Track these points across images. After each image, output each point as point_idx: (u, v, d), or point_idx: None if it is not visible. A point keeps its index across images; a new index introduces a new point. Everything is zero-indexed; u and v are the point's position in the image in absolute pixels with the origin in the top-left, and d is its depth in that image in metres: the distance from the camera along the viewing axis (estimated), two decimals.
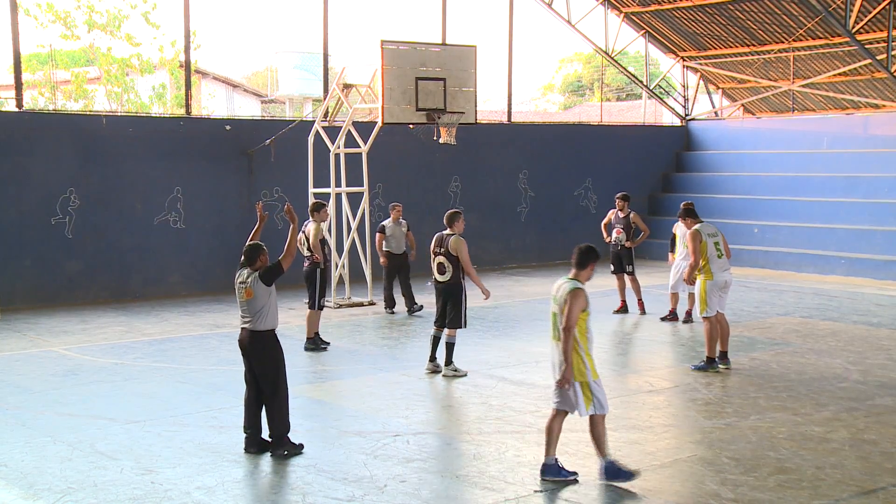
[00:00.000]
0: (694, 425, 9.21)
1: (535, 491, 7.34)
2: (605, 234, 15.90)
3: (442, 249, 11.11)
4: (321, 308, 12.70)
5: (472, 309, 15.60)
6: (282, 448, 8.19)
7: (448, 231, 11.19)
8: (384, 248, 15.50)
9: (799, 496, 7.23)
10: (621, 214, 15.59)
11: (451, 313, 11.14)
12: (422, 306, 15.57)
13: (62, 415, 9.49)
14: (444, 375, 11.11)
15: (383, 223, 15.71)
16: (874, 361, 11.93)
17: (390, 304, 15.70)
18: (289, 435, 8.28)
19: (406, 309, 15.56)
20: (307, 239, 12.59)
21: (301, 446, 8.28)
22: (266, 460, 8.14)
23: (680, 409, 9.96)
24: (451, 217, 11.26)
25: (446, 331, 11.19)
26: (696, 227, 11.62)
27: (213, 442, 8.58)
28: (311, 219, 12.84)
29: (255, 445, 8.30)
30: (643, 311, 15.47)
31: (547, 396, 10.20)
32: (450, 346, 11.18)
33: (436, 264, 11.20)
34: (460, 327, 11.22)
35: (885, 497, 7.24)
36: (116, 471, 7.77)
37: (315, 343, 12.67)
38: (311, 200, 16.27)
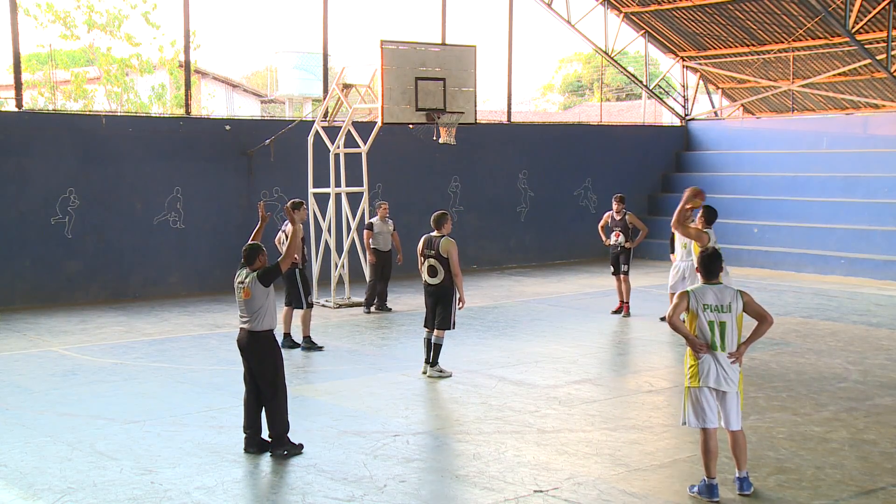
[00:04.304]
0: None
1: (535, 491, 7.35)
2: (603, 237, 15.87)
3: (432, 251, 11.01)
4: (310, 306, 12.73)
5: (472, 309, 15.66)
6: (281, 448, 8.20)
7: (436, 233, 11.09)
8: (372, 246, 15.58)
9: (799, 496, 7.23)
10: (617, 217, 15.57)
11: (441, 314, 11.09)
12: (390, 309, 15.80)
13: (62, 415, 9.49)
14: (429, 376, 11.09)
15: (371, 220, 15.81)
16: (874, 361, 11.93)
17: (371, 302, 15.76)
18: (288, 435, 8.29)
19: (375, 305, 15.73)
20: (287, 238, 12.57)
21: (301, 446, 8.29)
22: (266, 460, 8.14)
23: (679, 409, 9.94)
24: (439, 219, 11.15)
25: (434, 331, 11.16)
26: (708, 230, 11.66)
27: (213, 442, 8.58)
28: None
29: (254, 445, 8.30)
30: (627, 314, 15.36)
31: (546, 396, 10.23)
32: (437, 347, 11.15)
33: (426, 267, 11.10)
34: (449, 328, 11.19)
35: (885, 497, 7.24)
36: (116, 471, 7.77)
37: (311, 343, 12.68)
38: (311, 200, 16.37)
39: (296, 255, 12.40)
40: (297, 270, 12.46)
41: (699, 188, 10.76)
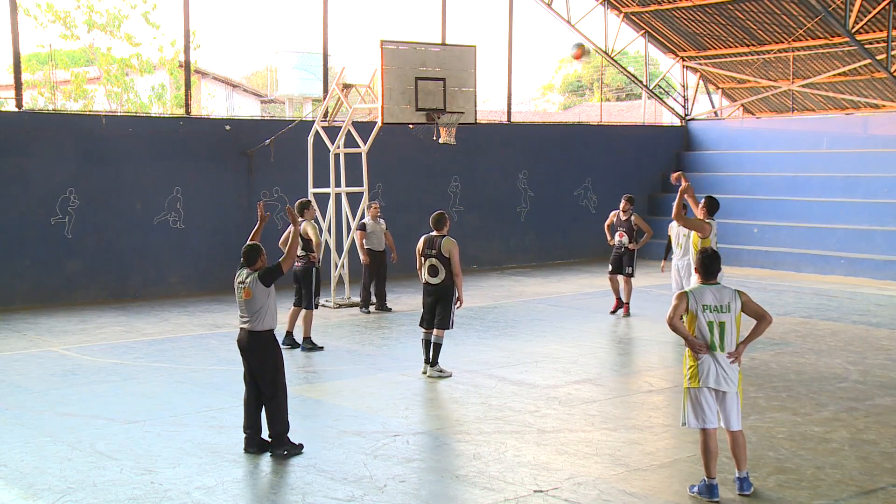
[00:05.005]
0: None
1: (535, 491, 7.35)
2: (608, 236, 15.85)
3: (433, 251, 11.00)
4: (316, 307, 12.73)
5: (472, 309, 15.66)
6: (281, 448, 8.20)
7: (436, 233, 11.09)
8: (366, 246, 15.59)
9: (799, 496, 7.23)
10: (623, 217, 15.52)
11: (441, 314, 11.09)
12: (390, 309, 15.79)
13: (62, 415, 9.49)
14: (429, 376, 11.09)
15: (363, 221, 15.80)
16: (874, 361, 11.93)
17: (368, 303, 15.74)
18: (288, 435, 8.29)
19: (375, 305, 15.73)
20: (302, 239, 12.54)
21: (301, 446, 8.29)
22: (266, 460, 8.14)
23: (679, 410, 9.94)
24: (439, 219, 11.14)
25: (434, 331, 11.16)
26: (710, 221, 11.83)
27: (213, 442, 8.58)
28: (301, 218, 12.80)
29: (254, 445, 8.30)
30: (627, 314, 15.35)
31: (546, 396, 10.23)
32: (437, 347, 11.16)
33: (427, 266, 11.09)
34: (448, 328, 11.19)
35: (885, 497, 7.25)
36: (116, 471, 7.77)
37: (312, 343, 12.67)
38: (310, 200, 16.38)
39: (314, 255, 12.45)
40: (314, 269, 12.45)
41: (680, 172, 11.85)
